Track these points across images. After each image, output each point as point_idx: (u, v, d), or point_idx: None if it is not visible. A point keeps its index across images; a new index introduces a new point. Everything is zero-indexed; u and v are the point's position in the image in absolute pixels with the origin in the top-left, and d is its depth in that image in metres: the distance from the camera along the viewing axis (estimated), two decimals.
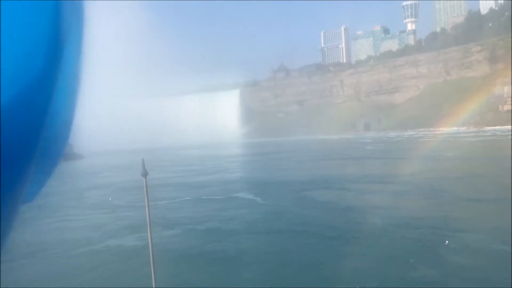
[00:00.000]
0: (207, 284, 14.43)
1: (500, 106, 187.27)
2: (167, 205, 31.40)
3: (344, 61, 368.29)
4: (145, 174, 6.14)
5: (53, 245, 20.91)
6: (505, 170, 37.35)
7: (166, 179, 48.95)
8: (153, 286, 6.88)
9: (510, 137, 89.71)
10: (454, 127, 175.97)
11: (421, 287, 13.44)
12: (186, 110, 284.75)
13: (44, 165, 0.94)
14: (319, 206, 28.42)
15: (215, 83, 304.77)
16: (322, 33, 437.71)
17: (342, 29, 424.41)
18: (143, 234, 20.62)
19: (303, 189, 35.87)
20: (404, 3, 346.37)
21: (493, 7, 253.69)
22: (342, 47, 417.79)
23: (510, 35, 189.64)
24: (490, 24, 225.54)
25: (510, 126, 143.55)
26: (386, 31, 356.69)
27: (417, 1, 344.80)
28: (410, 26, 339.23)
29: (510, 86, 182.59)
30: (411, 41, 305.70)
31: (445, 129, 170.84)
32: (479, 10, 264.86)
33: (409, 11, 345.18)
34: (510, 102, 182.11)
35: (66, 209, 32.55)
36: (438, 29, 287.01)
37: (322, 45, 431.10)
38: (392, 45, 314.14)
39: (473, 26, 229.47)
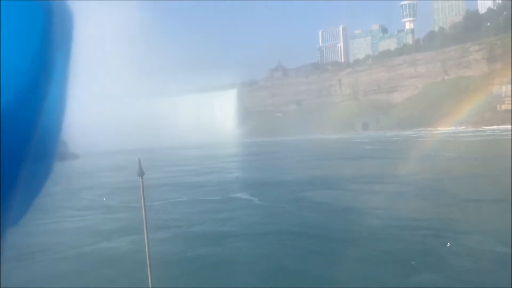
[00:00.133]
0: None
1: (498, 105, 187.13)
2: (162, 206, 30.84)
3: (342, 60, 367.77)
4: (141, 174, 6.06)
5: (44, 248, 20.34)
6: (505, 170, 36.92)
7: (163, 179, 48.41)
8: (150, 286, 6.75)
9: (509, 136, 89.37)
10: (452, 127, 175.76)
11: (421, 287, 12.99)
12: (184, 110, 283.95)
13: (39, 167, 0.95)
14: (317, 207, 27.93)
15: (212, 83, 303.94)
16: (320, 32, 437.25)
17: (340, 28, 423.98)
18: (135, 236, 20.07)
19: (301, 190, 35.37)
20: (402, 2, 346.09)
21: (491, 6, 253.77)
22: (340, 46, 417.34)
23: (509, 34, 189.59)
24: (488, 24, 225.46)
25: (509, 126, 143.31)
26: (384, 30, 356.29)
27: (415, 1, 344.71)
28: (408, 26, 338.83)
29: (510, 86, 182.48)
30: (409, 40, 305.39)
31: (443, 129, 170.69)
32: (477, 10, 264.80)
33: (407, 10, 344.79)
34: (508, 102, 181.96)
35: (60, 210, 31.93)
36: (436, 29, 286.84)
37: (320, 44, 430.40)
38: (390, 44, 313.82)
39: (471, 26, 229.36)
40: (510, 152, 50.10)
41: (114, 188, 43.79)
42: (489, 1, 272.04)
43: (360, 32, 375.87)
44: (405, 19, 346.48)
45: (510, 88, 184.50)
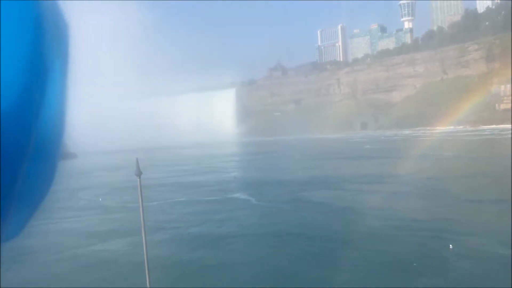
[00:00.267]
0: None
1: (496, 104, 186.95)
2: (160, 206, 30.52)
3: (341, 59, 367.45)
4: (139, 173, 6.04)
5: (39, 250, 19.99)
6: (505, 170, 36.65)
7: (161, 179, 48.09)
8: (147, 286, 6.79)
9: (508, 135, 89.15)
10: (451, 126, 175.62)
11: (421, 287, 12.70)
12: (183, 110, 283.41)
13: (41, 171, 0.95)
14: (316, 207, 27.63)
15: (211, 82, 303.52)
16: (319, 32, 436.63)
17: (339, 27, 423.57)
18: (131, 238, 19.77)
19: (300, 190, 35.08)
20: (401, 1, 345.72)
21: (490, 5, 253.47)
22: (339, 46, 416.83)
23: (508, 33, 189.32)
24: (487, 23, 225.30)
25: (508, 125, 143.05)
26: (383, 29, 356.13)
27: (414, 0, 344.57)
28: (407, 25, 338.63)
29: (508, 85, 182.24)
30: (408, 39, 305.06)
31: (442, 128, 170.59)
32: (476, 9, 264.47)
33: (406, 9, 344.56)
34: (507, 101, 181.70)
35: (56, 211, 31.55)
36: (435, 28, 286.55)
37: (319, 44, 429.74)
38: (389, 43, 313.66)
39: (470, 25, 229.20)
40: (510, 151, 49.83)
41: (112, 188, 43.47)
42: (488, 1, 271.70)
43: (359, 32, 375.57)
44: (404, 19, 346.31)
45: (509, 87, 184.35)
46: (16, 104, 0.74)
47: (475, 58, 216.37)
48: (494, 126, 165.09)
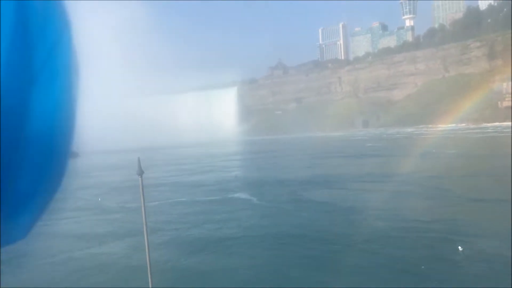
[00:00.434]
0: None
1: (499, 102, 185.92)
2: (159, 207, 29.99)
3: (342, 58, 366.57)
4: (140, 173, 6.00)
5: (33, 252, 19.48)
6: (510, 168, 36.02)
7: (161, 178, 47.65)
8: (150, 286, 6.75)
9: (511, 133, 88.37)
10: (452, 124, 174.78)
11: (421, 287, 12.12)
12: (184, 108, 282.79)
13: (52, 168, 0.91)
14: (318, 207, 27.07)
15: (213, 81, 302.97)
16: (320, 30, 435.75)
17: (340, 25, 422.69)
18: (130, 240, 19.27)
19: (302, 189, 34.55)
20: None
21: (492, 3, 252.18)
22: (340, 44, 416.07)
23: (510, 31, 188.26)
24: (489, 20, 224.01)
25: (510, 123, 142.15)
26: (384, 27, 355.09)
27: None
28: (408, 23, 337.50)
29: (510, 82, 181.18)
30: (409, 37, 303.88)
31: (444, 126, 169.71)
32: (477, 6, 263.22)
33: (407, 7, 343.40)
34: (509, 99, 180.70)
35: (54, 211, 31.05)
36: (436, 26, 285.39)
37: (320, 42, 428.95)
38: (390, 41, 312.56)
39: (472, 22, 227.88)
40: None
41: (111, 188, 43.04)
42: None
43: (360, 30, 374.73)
44: (405, 16, 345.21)
45: (510, 85, 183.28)
46: (17, 104, 0.74)
47: (477, 55, 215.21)
48: (497, 123, 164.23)
